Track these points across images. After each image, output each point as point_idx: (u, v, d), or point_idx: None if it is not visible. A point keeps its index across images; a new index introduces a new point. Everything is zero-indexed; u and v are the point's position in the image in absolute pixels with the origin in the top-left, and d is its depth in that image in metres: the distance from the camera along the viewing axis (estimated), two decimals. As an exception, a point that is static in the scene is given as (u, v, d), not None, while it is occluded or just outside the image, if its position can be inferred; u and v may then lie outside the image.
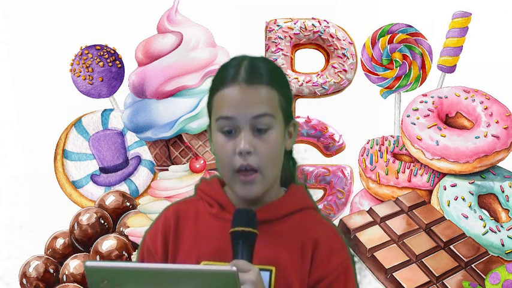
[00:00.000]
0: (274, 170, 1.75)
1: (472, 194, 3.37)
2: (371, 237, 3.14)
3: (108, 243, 3.29)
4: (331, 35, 3.59)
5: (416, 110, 3.50)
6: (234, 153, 1.71)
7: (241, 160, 1.71)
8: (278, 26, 3.61)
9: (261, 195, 1.75)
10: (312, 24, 3.61)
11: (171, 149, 3.26)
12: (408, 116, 3.50)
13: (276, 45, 3.59)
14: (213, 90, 1.76)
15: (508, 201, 3.39)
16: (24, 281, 3.39)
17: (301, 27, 3.60)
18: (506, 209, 3.40)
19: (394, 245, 3.14)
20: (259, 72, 1.74)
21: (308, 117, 3.56)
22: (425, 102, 3.53)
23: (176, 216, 1.82)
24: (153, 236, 1.83)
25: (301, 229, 1.77)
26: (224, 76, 1.75)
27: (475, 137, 3.40)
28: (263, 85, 1.73)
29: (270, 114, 1.72)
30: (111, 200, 3.49)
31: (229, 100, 1.72)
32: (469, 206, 3.32)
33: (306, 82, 3.57)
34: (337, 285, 1.74)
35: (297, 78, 3.57)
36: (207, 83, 1.82)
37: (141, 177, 3.68)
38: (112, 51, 3.69)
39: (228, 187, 1.81)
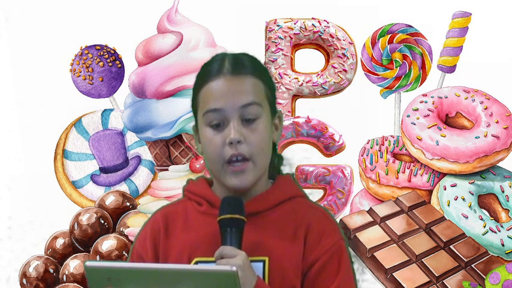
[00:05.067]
0: (265, 158, 1.75)
1: (472, 194, 3.37)
2: (371, 237, 3.14)
3: (108, 243, 3.29)
4: (331, 35, 3.59)
5: (416, 110, 3.50)
6: (224, 145, 1.71)
7: (232, 150, 1.71)
8: (278, 26, 3.61)
9: (251, 184, 1.74)
10: (312, 24, 3.61)
11: (171, 149, 3.26)
12: (408, 116, 3.50)
13: (276, 45, 3.59)
14: (198, 86, 1.78)
15: (508, 201, 3.39)
16: (24, 281, 3.39)
17: (301, 27, 3.60)
18: (506, 209, 3.40)
19: (394, 245, 3.14)
20: (243, 64, 1.75)
21: (308, 117, 3.56)
22: (425, 102, 3.53)
23: (165, 218, 1.82)
24: (142, 241, 1.83)
25: (292, 216, 1.77)
26: (208, 71, 1.76)
27: (475, 137, 3.40)
28: (248, 75, 1.74)
29: (257, 103, 1.73)
30: (111, 200, 3.49)
31: (216, 92, 1.73)
32: (469, 206, 3.32)
33: (306, 82, 3.57)
34: (331, 266, 1.74)
35: (297, 78, 3.57)
36: (207, 83, 1.82)
37: (141, 177, 3.68)
38: (112, 51, 3.69)
39: (215, 186, 1.81)
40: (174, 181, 3.19)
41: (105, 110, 3.74)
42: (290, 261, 1.73)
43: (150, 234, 1.81)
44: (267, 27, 3.62)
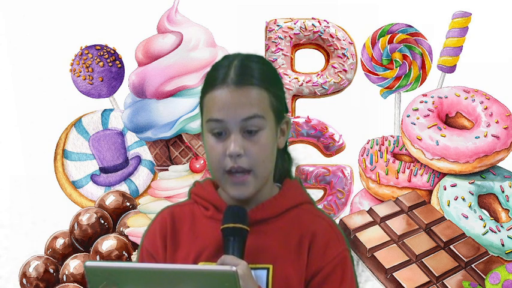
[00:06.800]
0: (266, 169, 1.74)
1: (472, 194, 3.37)
2: (371, 237, 3.14)
3: (108, 243, 3.30)
4: (331, 35, 3.59)
5: (416, 110, 3.50)
6: (225, 155, 1.70)
7: (232, 162, 1.70)
8: (278, 26, 3.61)
9: (253, 195, 1.74)
10: (312, 24, 3.61)
11: (171, 149, 3.26)
12: (408, 116, 3.50)
13: (276, 45, 3.59)
14: (204, 91, 1.75)
15: (508, 201, 3.39)
16: (24, 281, 3.40)
17: (301, 27, 3.60)
18: (506, 209, 3.40)
19: (394, 245, 3.14)
20: (248, 73, 1.72)
21: (308, 117, 3.56)
22: (425, 102, 3.53)
23: (172, 218, 1.82)
24: (151, 239, 1.82)
25: (297, 224, 1.76)
26: (214, 77, 1.74)
27: (475, 137, 3.40)
28: (252, 86, 1.71)
29: (260, 115, 1.71)
30: (111, 200, 3.50)
31: (218, 103, 1.71)
32: (469, 206, 3.32)
33: (306, 82, 3.57)
34: (334, 277, 1.73)
35: (297, 78, 3.57)
36: (207, 83, 1.80)
37: (141, 177, 3.68)
38: (112, 51, 3.70)
39: (221, 189, 1.80)
40: (174, 181, 3.19)
41: (105, 110, 3.74)
42: (294, 270, 1.72)
43: (159, 232, 1.81)
44: (267, 27, 3.62)
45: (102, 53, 3.66)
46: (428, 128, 3.44)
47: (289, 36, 3.60)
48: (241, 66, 1.74)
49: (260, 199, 1.77)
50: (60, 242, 3.47)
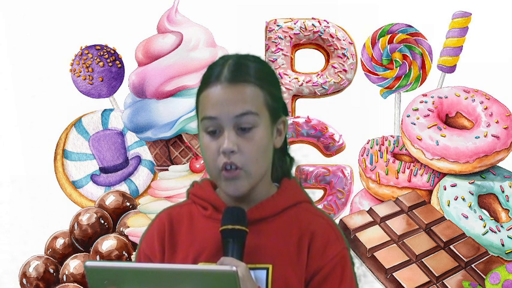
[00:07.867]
0: (260, 168, 1.73)
1: (472, 194, 3.37)
2: (371, 237, 3.14)
3: (108, 243, 3.30)
4: (331, 35, 3.59)
5: (416, 110, 3.50)
6: (218, 153, 1.70)
7: (225, 159, 1.70)
8: (278, 26, 3.61)
9: (247, 191, 1.73)
10: (312, 24, 3.61)
11: (171, 149, 3.26)
12: (408, 116, 3.50)
13: (276, 45, 3.59)
14: (199, 90, 1.76)
15: (508, 201, 3.39)
16: (24, 281, 3.40)
17: (301, 27, 3.60)
18: (506, 209, 3.40)
19: (394, 245, 3.14)
20: (243, 71, 1.72)
21: (308, 117, 3.56)
22: (425, 102, 3.53)
23: (170, 220, 1.81)
24: (149, 242, 1.82)
25: (296, 223, 1.76)
26: (209, 76, 1.74)
27: (475, 137, 3.40)
28: (246, 83, 1.71)
29: (254, 112, 1.71)
30: (111, 200, 3.50)
31: (212, 100, 1.71)
32: (469, 206, 3.32)
33: (306, 82, 3.57)
34: (334, 276, 1.73)
35: (297, 78, 3.57)
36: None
37: (141, 177, 3.68)
38: (112, 51, 3.70)
39: (220, 189, 1.80)
40: (174, 181, 3.19)
41: (105, 110, 3.74)
42: (294, 270, 1.72)
43: (157, 235, 1.81)
44: (267, 27, 3.62)
45: (102, 53, 3.66)
46: (428, 128, 3.44)
47: (289, 36, 3.60)
48: (236, 64, 1.74)
49: (258, 198, 1.77)
50: (60, 242, 3.47)
